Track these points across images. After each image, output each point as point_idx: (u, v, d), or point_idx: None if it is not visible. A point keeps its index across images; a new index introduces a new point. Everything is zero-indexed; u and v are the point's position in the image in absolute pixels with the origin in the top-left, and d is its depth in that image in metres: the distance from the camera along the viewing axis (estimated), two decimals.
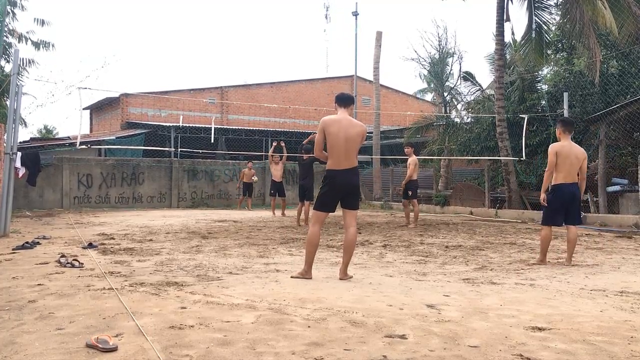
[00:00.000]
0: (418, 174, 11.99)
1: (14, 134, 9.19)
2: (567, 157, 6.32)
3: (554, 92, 16.44)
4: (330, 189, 5.11)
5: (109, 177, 18.35)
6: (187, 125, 22.03)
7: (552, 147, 6.44)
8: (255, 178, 18.23)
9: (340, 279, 5.11)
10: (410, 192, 11.58)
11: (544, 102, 16.74)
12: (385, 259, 6.71)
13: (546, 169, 6.53)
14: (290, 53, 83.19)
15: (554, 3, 15.65)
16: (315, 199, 5.27)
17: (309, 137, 11.59)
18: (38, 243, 7.77)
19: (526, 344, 3.10)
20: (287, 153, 14.10)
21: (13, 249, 7.10)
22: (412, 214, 11.64)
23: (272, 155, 14.68)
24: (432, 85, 31.64)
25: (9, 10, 15.41)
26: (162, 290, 4.46)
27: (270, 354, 2.89)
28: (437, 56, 22.19)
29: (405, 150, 12.00)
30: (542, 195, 6.54)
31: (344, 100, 5.28)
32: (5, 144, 9.10)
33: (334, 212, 5.24)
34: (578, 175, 6.46)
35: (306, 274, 5.11)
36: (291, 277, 5.16)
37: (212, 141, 19.74)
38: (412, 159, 11.61)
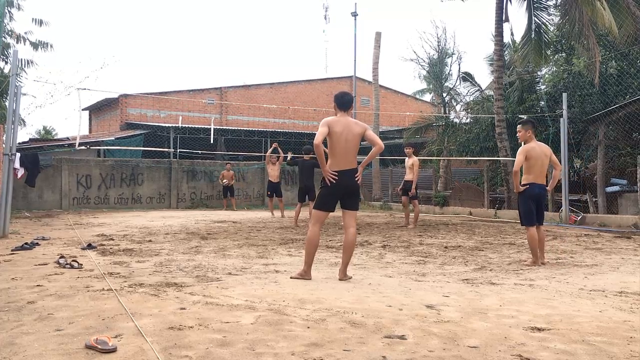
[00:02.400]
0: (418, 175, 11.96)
1: (13, 135, 9.19)
2: (538, 158, 6.48)
3: (553, 93, 16.45)
4: (330, 188, 5.11)
5: (108, 178, 18.34)
6: (187, 126, 22.05)
7: (523, 149, 6.56)
8: (229, 182, 18.30)
9: (340, 279, 5.11)
10: (411, 193, 11.54)
11: (542, 102, 16.75)
12: (384, 259, 6.70)
13: (514, 168, 6.64)
14: (289, 54, 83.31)
15: (553, 3, 15.70)
16: (315, 198, 5.27)
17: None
18: (37, 244, 7.75)
19: (525, 344, 3.10)
20: (286, 154, 14.11)
21: (12, 250, 7.09)
22: (412, 215, 11.62)
23: (269, 156, 14.70)
24: (431, 86, 31.64)
25: (6, 11, 15.39)
26: (161, 291, 4.46)
27: (269, 354, 2.88)
28: (436, 57, 22.19)
29: (406, 150, 11.76)
30: (518, 186, 6.59)
31: (344, 104, 5.25)
32: (4, 145, 9.10)
33: (333, 211, 5.25)
34: (555, 171, 6.80)
35: (305, 275, 5.11)
36: (290, 277, 5.16)
37: (212, 142, 19.78)
38: (414, 160, 11.49)
